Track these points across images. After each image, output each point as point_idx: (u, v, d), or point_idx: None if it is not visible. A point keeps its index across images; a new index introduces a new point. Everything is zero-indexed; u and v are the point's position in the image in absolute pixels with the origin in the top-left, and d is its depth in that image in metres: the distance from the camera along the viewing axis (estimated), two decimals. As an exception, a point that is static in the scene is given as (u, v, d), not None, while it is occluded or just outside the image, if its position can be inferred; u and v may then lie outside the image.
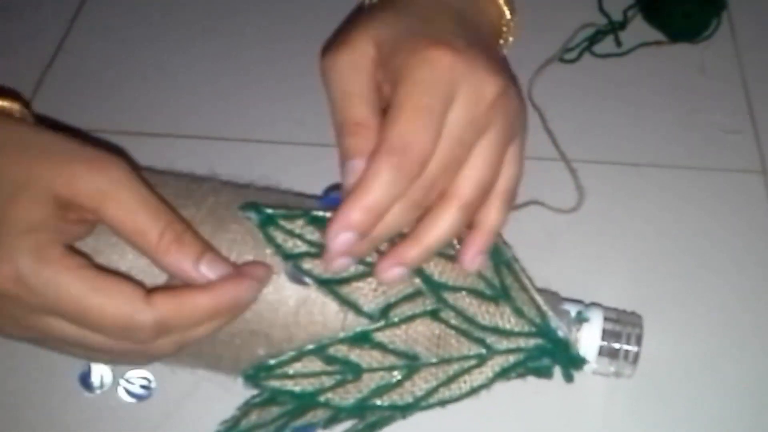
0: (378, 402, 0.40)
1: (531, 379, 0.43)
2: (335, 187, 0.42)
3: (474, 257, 0.40)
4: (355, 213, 0.37)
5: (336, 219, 0.37)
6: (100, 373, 0.45)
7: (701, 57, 0.60)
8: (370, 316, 0.39)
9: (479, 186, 0.39)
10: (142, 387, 0.44)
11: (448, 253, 0.41)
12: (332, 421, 0.41)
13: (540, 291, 0.42)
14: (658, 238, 0.51)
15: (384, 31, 0.41)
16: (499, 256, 0.42)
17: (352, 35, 0.41)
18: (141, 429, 0.44)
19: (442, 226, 0.38)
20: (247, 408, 0.41)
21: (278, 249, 0.39)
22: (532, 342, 0.41)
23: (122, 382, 0.44)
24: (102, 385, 0.45)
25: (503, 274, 0.42)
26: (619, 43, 0.60)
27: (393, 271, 0.39)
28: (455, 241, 0.41)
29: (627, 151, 0.55)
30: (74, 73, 0.60)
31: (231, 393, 0.42)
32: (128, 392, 0.44)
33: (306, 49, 0.57)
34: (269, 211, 0.40)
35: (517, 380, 0.43)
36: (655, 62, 0.59)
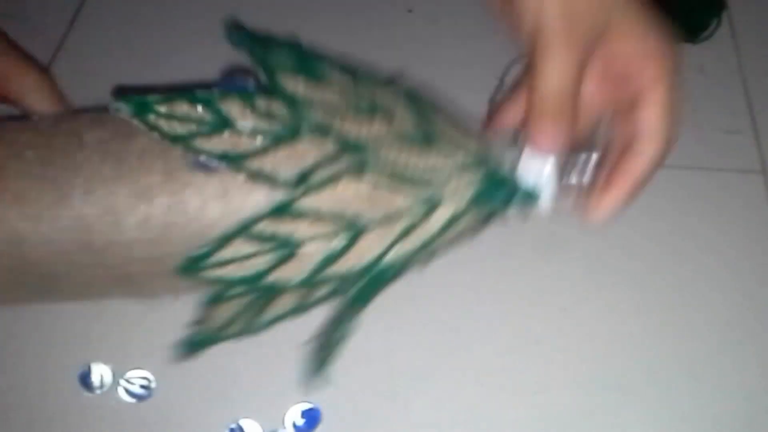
0: (334, 271, 0.38)
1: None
2: (235, 72, 0.40)
3: (602, 213, 0.41)
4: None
5: None
6: (100, 373, 0.45)
7: (701, 57, 0.60)
8: (286, 185, 0.37)
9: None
10: (142, 387, 0.44)
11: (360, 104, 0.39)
12: (303, 308, 0.39)
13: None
14: (658, 238, 0.51)
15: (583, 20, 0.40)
16: (417, 103, 0.40)
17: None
18: (141, 429, 0.44)
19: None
20: (204, 307, 0.39)
21: (162, 133, 0.38)
22: (478, 175, 0.39)
23: (122, 382, 0.44)
24: (102, 385, 0.45)
25: (427, 123, 0.39)
26: (619, 43, 0.60)
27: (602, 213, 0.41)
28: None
29: (627, 151, 0.55)
30: (74, 73, 0.60)
31: (231, 394, 0.42)
32: (128, 392, 0.44)
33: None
34: (141, 98, 0.38)
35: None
36: (655, 62, 0.59)
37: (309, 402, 0.44)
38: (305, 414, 0.44)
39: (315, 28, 0.62)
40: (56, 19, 0.64)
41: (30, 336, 0.47)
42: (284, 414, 0.43)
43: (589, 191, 0.41)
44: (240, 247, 0.38)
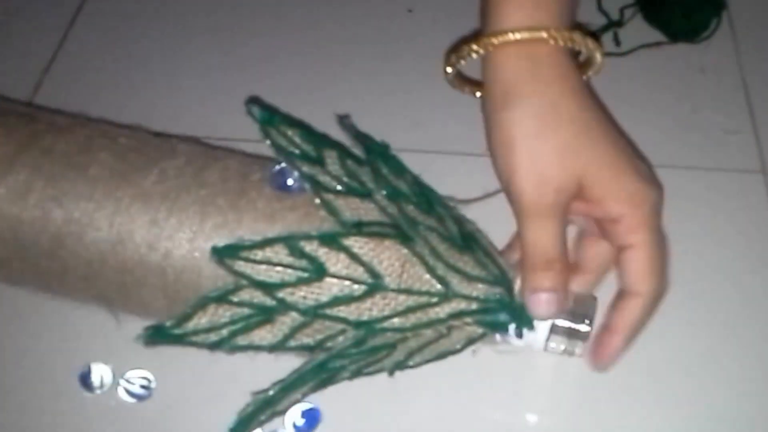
0: (333, 312, 0.40)
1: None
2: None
3: (606, 359, 0.43)
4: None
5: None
6: (100, 373, 0.45)
7: (701, 57, 0.60)
8: (344, 224, 0.41)
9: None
10: (142, 387, 0.44)
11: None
12: (280, 346, 0.41)
13: (503, 257, 0.44)
14: (658, 238, 0.51)
15: (579, 161, 0.41)
16: (463, 225, 0.43)
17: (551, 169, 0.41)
18: (141, 429, 0.44)
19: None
20: (204, 301, 0.40)
21: (276, 146, 0.42)
22: (491, 292, 0.42)
23: (122, 382, 0.44)
24: (102, 385, 0.45)
25: (467, 236, 0.43)
26: (617, 42, 0.60)
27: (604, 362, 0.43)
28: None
29: (627, 151, 0.55)
30: (74, 73, 0.60)
31: (231, 394, 0.42)
32: (128, 392, 0.44)
33: (308, 50, 0.58)
34: (271, 111, 0.43)
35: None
36: (655, 62, 0.59)
37: (309, 402, 0.44)
38: (305, 414, 0.44)
39: (314, 27, 0.63)
40: (56, 19, 0.64)
41: (30, 336, 0.47)
42: (284, 414, 0.43)
43: (594, 337, 0.43)
44: (277, 253, 0.40)
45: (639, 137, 0.55)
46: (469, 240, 0.43)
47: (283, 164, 0.42)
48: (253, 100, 0.43)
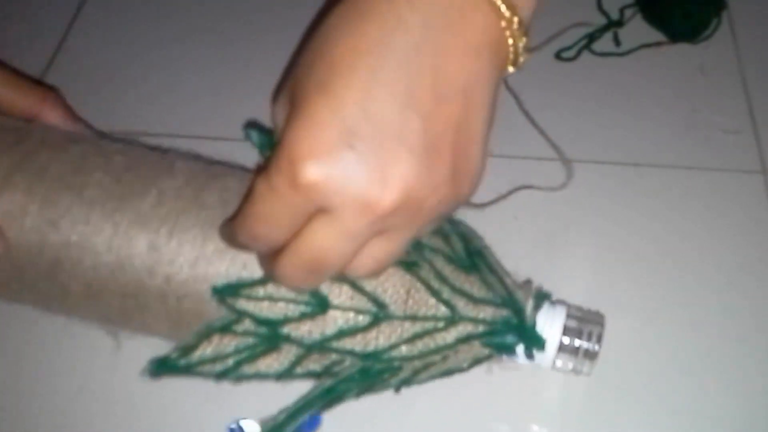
0: (338, 345, 0.40)
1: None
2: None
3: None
4: None
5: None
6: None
7: (701, 57, 0.60)
8: None
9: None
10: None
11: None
12: (287, 374, 0.40)
13: (510, 276, 0.43)
14: (658, 238, 0.51)
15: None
16: (470, 242, 0.43)
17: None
18: (142, 428, 0.44)
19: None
20: (208, 330, 0.40)
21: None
22: (498, 314, 0.41)
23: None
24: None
25: (473, 255, 0.42)
26: (617, 42, 0.60)
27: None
28: None
29: (627, 151, 0.55)
30: (74, 73, 0.60)
31: (231, 394, 0.42)
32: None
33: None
34: (269, 134, 0.40)
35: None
36: (655, 62, 0.59)
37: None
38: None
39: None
40: (56, 19, 0.64)
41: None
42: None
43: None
44: (279, 289, 0.39)
45: (639, 137, 0.56)
46: (475, 259, 0.42)
47: None
48: (251, 124, 0.41)
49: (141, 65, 0.61)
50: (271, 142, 0.40)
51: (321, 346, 0.40)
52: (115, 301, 0.41)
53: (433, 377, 0.42)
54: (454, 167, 0.33)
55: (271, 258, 0.36)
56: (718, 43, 0.60)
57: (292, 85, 0.34)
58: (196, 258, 0.39)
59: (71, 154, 0.42)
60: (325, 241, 0.33)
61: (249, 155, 0.54)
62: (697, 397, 0.44)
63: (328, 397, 0.41)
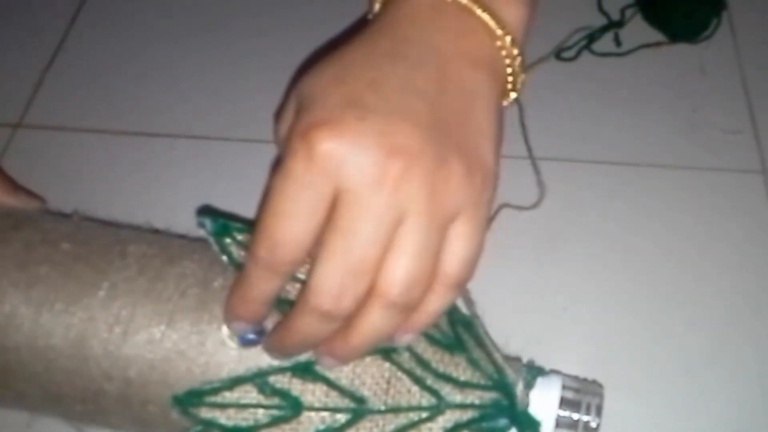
0: None
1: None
2: None
3: (401, 335, 0.36)
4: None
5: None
6: None
7: (701, 57, 0.60)
8: None
9: (405, 280, 0.33)
10: None
11: None
12: None
13: (499, 351, 0.40)
14: (658, 238, 0.51)
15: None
16: (455, 313, 0.40)
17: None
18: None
19: (366, 326, 0.34)
20: None
21: (230, 259, 0.38)
22: (487, 397, 0.38)
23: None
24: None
25: (459, 330, 0.39)
26: (618, 42, 0.60)
27: (325, 360, 0.36)
28: None
29: (626, 151, 0.55)
30: (74, 73, 0.60)
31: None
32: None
33: (307, 50, 0.58)
34: (223, 221, 0.38)
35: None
36: (655, 62, 0.59)
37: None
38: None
39: (315, 26, 0.62)
40: (56, 19, 0.64)
41: None
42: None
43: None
44: (247, 393, 0.37)
45: (639, 137, 0.56)
46: (460, 332, 0.39)
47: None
48: (204, 210, 0.38)
49: (141, 65, 0.61)
50: (225, 228, 0.38)
51: None
52: (77, 406, 0.38)
53: None
54: (463, 152, 0.34)
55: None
56: (718, 43, 0.60)
57: (299, 92, 0.35)
58: (151, 361, 0.37)
59: (13, 245, 0.39)
60: (351, 224, 0.32)
61: (249, 155, 0.54)
62: (696, 397, 0.44)
63: None
